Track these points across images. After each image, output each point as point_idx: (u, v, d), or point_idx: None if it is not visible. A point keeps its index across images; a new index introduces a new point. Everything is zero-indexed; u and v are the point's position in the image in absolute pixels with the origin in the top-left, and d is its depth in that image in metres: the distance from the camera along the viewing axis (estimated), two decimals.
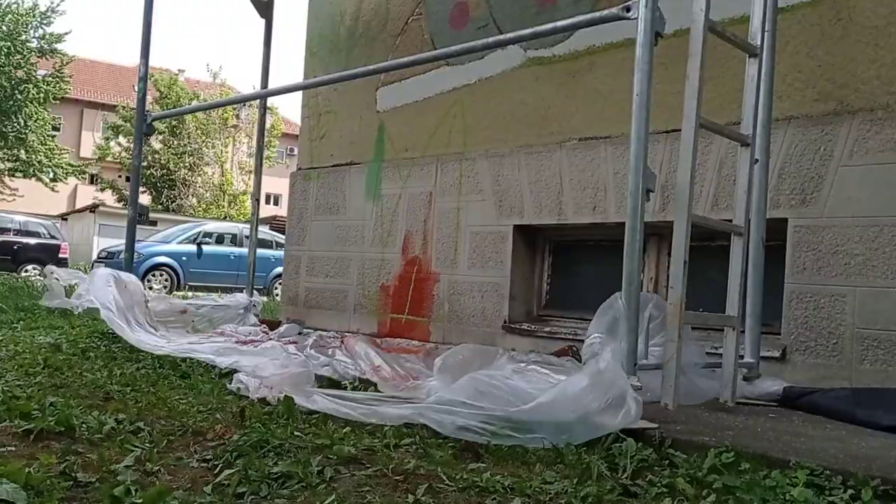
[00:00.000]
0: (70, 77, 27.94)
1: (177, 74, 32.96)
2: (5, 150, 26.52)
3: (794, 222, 3.38)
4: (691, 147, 2.67)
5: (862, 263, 3.16)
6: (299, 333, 4.81)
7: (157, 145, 29.48)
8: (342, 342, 4.30)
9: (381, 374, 3.49)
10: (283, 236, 6.92)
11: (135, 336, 4.15)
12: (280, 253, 11.70)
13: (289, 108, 64.91)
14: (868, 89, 3.24)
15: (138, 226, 5.68)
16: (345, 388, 3.16)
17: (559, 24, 3.26)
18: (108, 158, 31.32)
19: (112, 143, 31.03)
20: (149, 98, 6.27)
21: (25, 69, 25.95)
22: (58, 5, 26.38)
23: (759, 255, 3.16)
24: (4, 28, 25.39)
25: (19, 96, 25.79)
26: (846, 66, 3.31)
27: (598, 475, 2.00)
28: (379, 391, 3.10)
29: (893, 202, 3.10)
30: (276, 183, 30.52)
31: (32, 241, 17.48)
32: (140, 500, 1.60)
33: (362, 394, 2.93)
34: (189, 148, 30.23)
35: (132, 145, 5.97)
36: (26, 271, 16.05)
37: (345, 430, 2.43)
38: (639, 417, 2.29)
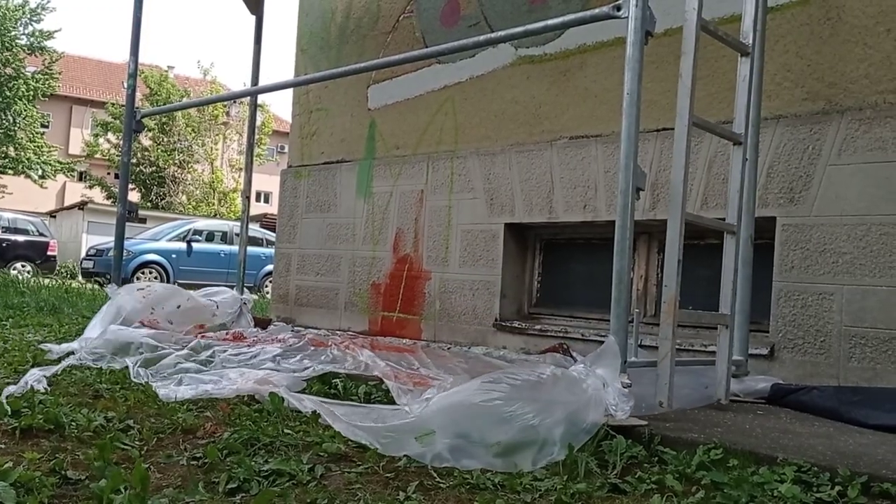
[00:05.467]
0: (59, 74, 27.76)
1: (167, 71, 32.76)
2: None
3: (782, 221, 3.41)
4: (684, 145, 2.67)
5: (850, 262, 3.18)
6: (291, 331, 4.79)
7: (146, 142, 29.30)
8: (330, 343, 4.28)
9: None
10: (274, 234, 6.89)
11: None
12: (270, 251, 11.68)
13: (280, 106, 64.77)
14: (857, 88, 3.27)
15: (127, 223, 5.64)
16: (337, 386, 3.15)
17: (550, 22, 3.26)
18: (97, 155, 31.05)
19: (101, 140, 30.78)
20: (138, 95, 6.23)
21: (14, 66, 25.78)
22: (47, 2, 26.22)
23: (748, 253, 3.18)
24: None
25: (8, 93, 25.64)
26: (835, 66, 3.33)
27: (587, 472, 2.01)
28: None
29: (881, 201, 3.12)
30: (267, 180, 30.43)
31: (21, 238, 17.40)
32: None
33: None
34: (179, 145, 30.07)
35: (121, 142, 5.93)
36: (14, 269, 15.95)
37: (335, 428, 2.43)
38: None
